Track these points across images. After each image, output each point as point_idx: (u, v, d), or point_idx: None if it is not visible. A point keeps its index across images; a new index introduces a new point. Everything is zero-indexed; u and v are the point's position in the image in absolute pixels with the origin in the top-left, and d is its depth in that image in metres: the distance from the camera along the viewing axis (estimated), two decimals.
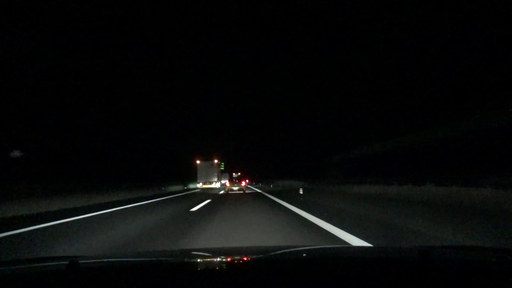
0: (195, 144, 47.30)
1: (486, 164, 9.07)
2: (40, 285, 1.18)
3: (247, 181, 27.18)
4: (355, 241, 4.55)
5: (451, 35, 11.82)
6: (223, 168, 44.36)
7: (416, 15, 13.42)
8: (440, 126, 12.18)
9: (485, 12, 10.20)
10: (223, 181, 37.33)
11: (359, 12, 18.45)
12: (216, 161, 34.28)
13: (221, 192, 24.01)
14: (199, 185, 32.91)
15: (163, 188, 26.75)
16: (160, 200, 15.64)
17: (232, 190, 24.34)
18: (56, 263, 1.53)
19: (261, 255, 1.79)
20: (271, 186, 29.77)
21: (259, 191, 24.93)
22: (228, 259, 1.68)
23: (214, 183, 32.88)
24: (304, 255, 1.80)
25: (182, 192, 25.82)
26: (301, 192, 17.47)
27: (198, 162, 33.41)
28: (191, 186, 37.15)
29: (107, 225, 6.83)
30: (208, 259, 1.74)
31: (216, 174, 33.33)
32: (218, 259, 1.69)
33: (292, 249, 1.98)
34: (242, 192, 23.07)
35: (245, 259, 1.70)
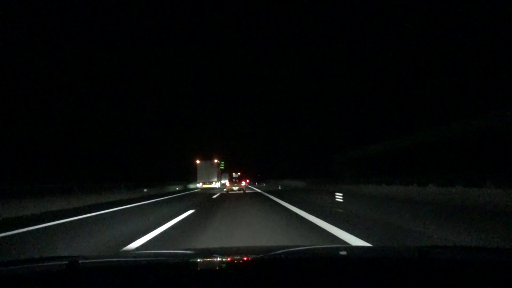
0: (195, 144, 47.34)
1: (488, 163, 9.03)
2: (40, 285, 1.18)
3: (247, 181, 27.07)
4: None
5: (458, 36, 11.83)
6: (223, 168, 44.17)
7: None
8: (442, 126, 12.19)
9: (485, 12, 10.20)
10: (223, 181, 37.24)
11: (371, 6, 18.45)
12: (216, 160, 34.21)
13: (213, 197, 17.51)
14: (199, 185, 32.84)
15: (162, 188, 26.28)
16: (151, 202, 14.15)
17: (232, 190, 24.29)
18: (56, 263, 1.53)
19: (261, 255, 1.79)
20: (280, 187, 26.59)
21: (268, 196, 18.87)
22: (228, 259, 1.68)
23: (214, 183, 32.80)
24: (304, 255, 1.80)
25: (182, 192, 25.54)
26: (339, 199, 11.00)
27: (198, 161, 33.33)
28: (191, 186, 37.10)
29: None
30: (208, 259, 1.74)
31: (216, 174, 33.25)
32: (218, 259, 1.69)
33: (293, 249, 1.98)
34: (242, 192, 23.02)
35: (245, 259, 1.69)
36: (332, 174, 23.22)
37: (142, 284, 1.17)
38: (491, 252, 1.67)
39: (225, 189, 25.33)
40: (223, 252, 2.07)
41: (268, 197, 16.31)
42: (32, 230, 6.36)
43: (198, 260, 1.73)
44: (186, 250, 3.50)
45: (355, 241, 4.72)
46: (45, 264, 1.52)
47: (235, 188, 24.48)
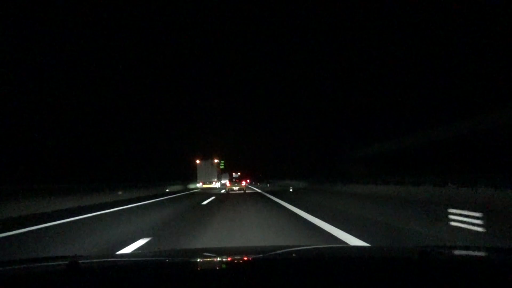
0: (195, 143, 47.32)
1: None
2: (40, 285, 1.18)
3: (247, 181, 27.04)
4: None
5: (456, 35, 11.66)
6: (222, 167, 44.05)
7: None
8: (442, 126, 11.99)
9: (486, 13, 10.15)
10: (223, 181, 37.23)
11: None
12: (216, 160, 34.21)
13: (203, 203, 13.00)
14: (199, 184, 32.83)
15: (160, 188, 25.83)
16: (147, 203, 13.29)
17: (233, 190, 24.30)
18: (56, 263, 1.53)
19: (261, 255, 1.79)
20: (291, 190, 21.63)
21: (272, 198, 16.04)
22: (228, 259, 1.68)
23: (214, 182, 32.79)
24: (304, 255, 1.80)
25: (181, 192, 25.36)
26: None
27: (198, 161, 33.33)
28: (191, 186, 37.13)
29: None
30: (209, 259, 1.74)
31: (216, 173, 33.26)
32: (219, 259, 1.69)
33: (292, 249, 1.98)
34: (242, 192, 23.03)
35: (245, 259, 1.70)
36: (344, 173, 20.56)
37: (142, 284, 1.17)
38: (491, 252, 1.67)
39: (225, 189, 25.38)
40: (222, 252, 2.08)
41: (282, 205, 11.16)
42: None
43: (198, 260, 1.73)
44: (186, 250, 3.51)
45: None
46: (45, 264, 1.52)
47: (235, 188, 24.46)
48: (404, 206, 6.88)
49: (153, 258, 1.82)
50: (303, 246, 3.01)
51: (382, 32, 18.14)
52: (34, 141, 18.51)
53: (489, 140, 10.47)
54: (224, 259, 1.67)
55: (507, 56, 9.95)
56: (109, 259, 1.79)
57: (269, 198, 15.08)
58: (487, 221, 4.22)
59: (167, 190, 25.87)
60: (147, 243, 4.90)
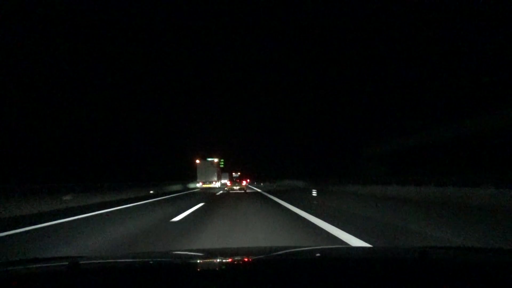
0: (195, 143, 47.31)
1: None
2: (41, 285, 1.18)
3: (247, 180, 27.06)
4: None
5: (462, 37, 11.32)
6: (222, 165, 43.95)
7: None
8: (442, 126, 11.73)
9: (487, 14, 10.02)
10: (223, 181, 37.21)
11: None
12: (216, 160, 34.19)
13: (178, 218, 8.17)
14: (199, 184, 32.83)
15: (159, 187, 25.41)
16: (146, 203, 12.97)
17: (233, 189, 24.42)
18: (57, 263, 1.53)
19: (261, 256, 1.79)
20: (314, 194, 17.00)
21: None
22: (228, 260, 1.68)
23: (214, 182, 32.76)
24: (304, 255, 1.80)
25: (179, 192, 25.20)
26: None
27: (197, 161, 33.31)
28: (191, 185, 37.12)
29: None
30: (209, 260, 1.74)
31: (216, 173, 33.24)
32: (219, 260, 1.69)
33: (293, 250, 1.98)
34: (243, 191, 23.08)
35: (245, 259, 1.70)
36: (360, 172, 18.43)
37: (142, 284, 1.17)
38: (491, 252, 1.67)
39: (226, 189, 25.50)
40: (223, 252, 2.08)
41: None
42: None
43: (199, 260, 1.73)
44: (186, 250, 3.51)
45: None
46: (46, 264, 1.52)
47: (236, 187, 24.65)
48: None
49: (153, 259, 1.82)
50: (304, 247, 3.01)
51: (396, 25, 17.14)
52: (33, 141, 18.46)
53: None
54: (224, 260, 1.67)
55: None
56: (110, 260, 1.79)
57: (284, 208, 10.11)
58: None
59: (151, 192, 21.00)
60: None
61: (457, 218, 6.73)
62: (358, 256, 1.81)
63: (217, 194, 19.91)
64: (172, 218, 7.96)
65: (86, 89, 24.29)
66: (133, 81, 33.87)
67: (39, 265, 1.50)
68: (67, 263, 1.29)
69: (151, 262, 1.68)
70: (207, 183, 32.48)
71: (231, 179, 26.78)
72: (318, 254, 1.87)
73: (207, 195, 18.59)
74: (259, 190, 23.51)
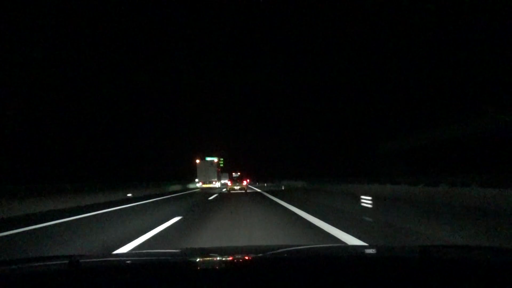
0: (195, 143, 47.26)
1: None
2: (41, 284, 1.18)
3: (248, 180, 27.09)
4: None
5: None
6: (222, 164, 43.84)
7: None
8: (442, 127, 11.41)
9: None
10: (223, 181, 37.20)
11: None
12: (215, 160, 34.19)
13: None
14: (199, 184, 32.84)
15: (150, 188, 24.39)
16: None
17: (234, 189, 24.46)
18: (57, 262, 1.53)
19: (260, 254, 1.79)
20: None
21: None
22: (228, 259, 1.68)
23: (214, 182, 32.76)
24: (304, 254, 1.80)
25: (171, 194, 24.79)
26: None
27: (197, 161, 33.31)
28: (191, 185, 37.12)
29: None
30: (208, 259, 1.75)
31: (216, 173, 33.24)
32: (218, 259, 1.69)
33: (292, 248, 1.98)
34: (243, 191, 23.10)
35: (245, 258, 1.70)
36: (376, 171, 16.70)
37: (142, 283, 1.17)
38: (491, 252, 1.67)
39: (227, 188, 25.57)
40: (222, 251, 2.08)
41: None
42: None
43: (198, 259, 1.74)
44: (186, 249, 3.51)
45: None
46: (45, 263, 1.52)
47: (237, 187, 24.66)
48: None
49: (153, 258, 1.83)
50: (304, 245, 3.00)
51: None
52: (32, 140, 18.40)
53: None
54: (224, 259, 1.67)
55: None
56: (110, 259, 1.79)
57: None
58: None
59: (128, 195, 18.14)
60: None
61: None
62: (359, 254, 1.81)
63: (210, 198, 15.01)
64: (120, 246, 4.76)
65: (86, 89, 24.28)
66: (132, 80, 33.88)
67: (39, 264, 1.50)
68: (67, 261, 1.29)
69: (151, 261, 1.69)
70: (207, 183, 32.48)
71: (232, 179, 26.80)
72: (317, 253, 1.87)
73: (197, 200, 15.21)
74: (271, 197, 15.91)
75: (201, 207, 11.25)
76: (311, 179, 24.59)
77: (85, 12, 23.62)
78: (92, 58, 24.97)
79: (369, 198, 7.70)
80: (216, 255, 1.85)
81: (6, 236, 6.24)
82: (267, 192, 21.95)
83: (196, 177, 33.34)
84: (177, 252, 2.42)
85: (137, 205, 13.01)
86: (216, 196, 16.88)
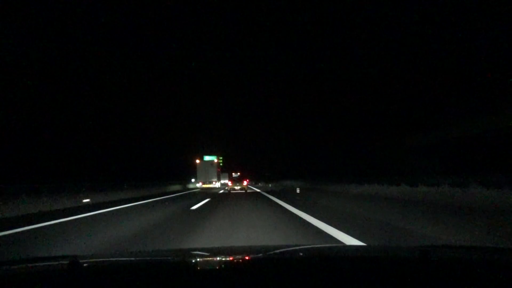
0: (194, 143, 47.25)
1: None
2: (41, 285, 1.18)
3: (247, 180, 27.20)
4: None
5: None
6: (221, 163, 43.81)
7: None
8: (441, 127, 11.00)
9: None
10: (223, 181, 37.25)
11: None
12: (215, 160, 34.22)
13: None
14: (199, 184, 32.85)
15: (156, 188, 24.34)
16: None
17: (234, 189, 24.66)
18: (57, 262, 1.53)
19: (259, 254, 1.80)
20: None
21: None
22: (228, 259, 1.69)
23: (214, 182, 32.78)
24: (304, 254, 1.80)
25: (178, 193, 24.85)
26: None
27: (197, 161, 33.34)
28: (191, 186, 37.12)
29: None
30: (208, 259, 1.75)
31: (216, 173, 33.26)
32: (218, 259, 1.69)
33: (292, 248, 1.98)
34: (244, 191, 23.28)
35: (246, 258, 1.70)
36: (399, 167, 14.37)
37: (142, 283, 1.17)
38: (491, 252, 1.67)
39: (227, 188, 25.73)
40: (222, 251, 2.08)
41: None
42: None
43: (198, 259, 1.74)
44: (186, 249, 3.51)
45: None
46: (45, 263, 1.52)
47: (237, 187, 24.93)
48: None
49: (153, 258, 1.83)
50: (304, 245, 3.00)
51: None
52: (31, 140, 18.34)
53: None
54: (223, 259, 1.68)
55: None
56: (110, 259, 1.79)
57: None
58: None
59: (84, 200, 13.71)
60: None
61: None
62: (359, 254, 1.81)
63: (193, 208, 10.55)
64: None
65: (85, 89, 24.29)
66: (132, 81, 33.90)
67: (39, 264, 1.50)
68: (67, 262, 1.29)
69: (150, 261, 1.69)
70: (207, 183, 32.50)
71: (232, 179, 26.93)
72: (318, 253, 1.87)
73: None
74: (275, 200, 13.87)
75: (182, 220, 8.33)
76: (315, 179, 24.02)
77: (83, 10, 23.62)
78: (92, 58, 24.96)
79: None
80: (216, 255, 1.85)
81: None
82: (266, 192, 21.95)
83: (193, 177, 33.35)
84: (177, 252, 2.42)
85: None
86: (201, 206, 11.63)
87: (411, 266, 1.36)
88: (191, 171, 34.79)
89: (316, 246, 3.00)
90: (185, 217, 8.06)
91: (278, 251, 1.86)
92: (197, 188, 33.22)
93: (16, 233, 6.18)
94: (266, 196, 16.48)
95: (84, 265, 1.39)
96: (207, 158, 35.41)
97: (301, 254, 1.79)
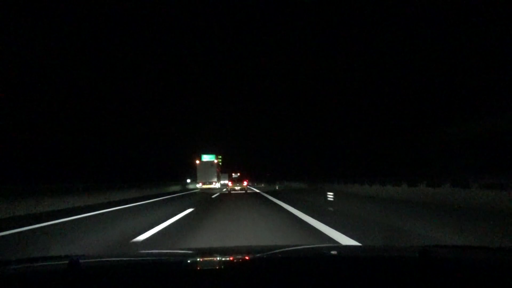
0: (193, 143, 47.26)
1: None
2: (41, 284, 1.18)
3: (247, 181, 27.36)
4: None
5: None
6: (220, 162, 43.68)
7: None
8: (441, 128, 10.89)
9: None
10: (223, 182, 37.21)
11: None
12: (215, 161, 34.21)
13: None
14: (199, 185, 32.83)
15: (154, 188, 23.82)
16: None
17: (234, 189, 24.85)
18: (57, 262, 1.53)
19: (260, 255, 1.80)
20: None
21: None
22: (227, 259, 1.69)
23: (214, 183, 32.75)
24: (303, 254, 1.80)
25: (177, 193, 24.72)
26: None
27: (197, 162, 33.32)
28: (191, 186, 37.11)
29: None
30: (208, 259, 1.75)
31: (216, 174, 33.24)
32: (217, 259, 1.69)
33: (292, 248, 1.98)
34: (244, 191, 23.44)
35: (245, 258, 1.70)
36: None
37: (142, 283, 1.17)
38: (491, 252, 1.66)
39: (227, 188, 25.89)
40: (222, 251, 2.08)
41: None
42: None
43: (198, 259, 1.74)
44: (186, 249, 3.51)
45: None
46: (45, 263, 1.52)
47: (237, 187, 25.16)
48: None
49: (154, 258, 1.83)
50: (303, 245, 3.00)
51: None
52: (31, 140, 18.30)
53: None
54: (223, 259, 1.68)
55: None
56: (110, 259, 1.79)
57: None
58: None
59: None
60: None
61: None
62: (359, 254, 1.81)
63: (226, 189, 10.62)
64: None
65: (85, 88, 24.30)
66: (131, 81, 33.95)
67: (39, 264, 1.50)
68: (67, 262, 1.29)
69: (150, 261, 1.69)
70: (207, 183, 32.48)
71: (232, 179, 27.10)
72: (317, 253, 1.87)
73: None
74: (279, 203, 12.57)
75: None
76: (319, 179, 23.83)
77: (84, 9, 23.63)
78: (92, 58, 24.98)
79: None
80: (216, 255, 1.85)
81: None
82: (266, 193, 21.72)
83: (191, 177, 33.32)
84: (177, 252, 2.42)
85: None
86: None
87: (410, 266, 1.36)
88: (191, 171, 34.75)
89: (316, 246, 3.00)
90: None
91: (277, 251, 1.86)
92: (197, 188, 33.21)
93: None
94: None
95: (84, 265, 1.39)
96: (205, 157, 35.32)
97: (301, 254, 1.79)
